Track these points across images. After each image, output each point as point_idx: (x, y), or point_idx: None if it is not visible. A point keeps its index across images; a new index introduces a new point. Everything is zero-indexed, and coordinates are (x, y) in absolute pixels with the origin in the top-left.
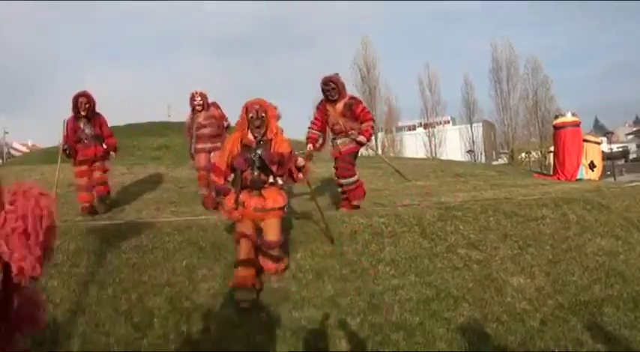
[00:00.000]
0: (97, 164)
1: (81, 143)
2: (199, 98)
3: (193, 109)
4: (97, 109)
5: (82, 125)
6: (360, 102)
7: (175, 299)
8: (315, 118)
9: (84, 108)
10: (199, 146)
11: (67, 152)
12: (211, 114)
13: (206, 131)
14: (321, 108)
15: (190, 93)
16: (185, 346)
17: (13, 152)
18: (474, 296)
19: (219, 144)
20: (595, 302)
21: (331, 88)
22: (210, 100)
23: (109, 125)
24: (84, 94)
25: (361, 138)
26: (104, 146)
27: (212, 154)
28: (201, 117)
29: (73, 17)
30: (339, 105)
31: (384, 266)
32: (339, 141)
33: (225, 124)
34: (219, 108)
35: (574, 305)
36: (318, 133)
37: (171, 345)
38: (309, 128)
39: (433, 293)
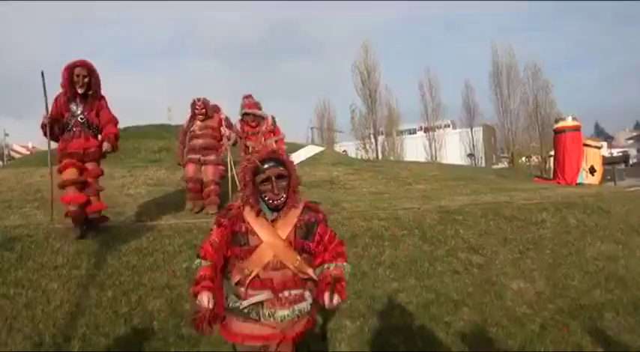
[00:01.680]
0: (88, 164)
1: (68, 131)
2: (201, 106)
3: (193, 116)
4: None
5: (73, 107)
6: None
7: (175, 301)
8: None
9: (82, 83)
10: (190, 156)
11: (49, 126)
12: (209, 125)
13: (198, 142)
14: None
15: (192, 100)
16: (185, 348)
17: (13, 154)
18: (474, 300)
19: (212, 158)
20: (595, 307)
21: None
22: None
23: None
24: (83, 64)
25: None
26: (99, 138)
27: (203, 168)
28: (196, 127)
29: (73, 18)
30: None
31: (384, 270)
32: None
33: (225, 122)
34: (220, 111)
35: (574, 309)
36: None
37: (171, 348)
38: None
39: (433, 296)
